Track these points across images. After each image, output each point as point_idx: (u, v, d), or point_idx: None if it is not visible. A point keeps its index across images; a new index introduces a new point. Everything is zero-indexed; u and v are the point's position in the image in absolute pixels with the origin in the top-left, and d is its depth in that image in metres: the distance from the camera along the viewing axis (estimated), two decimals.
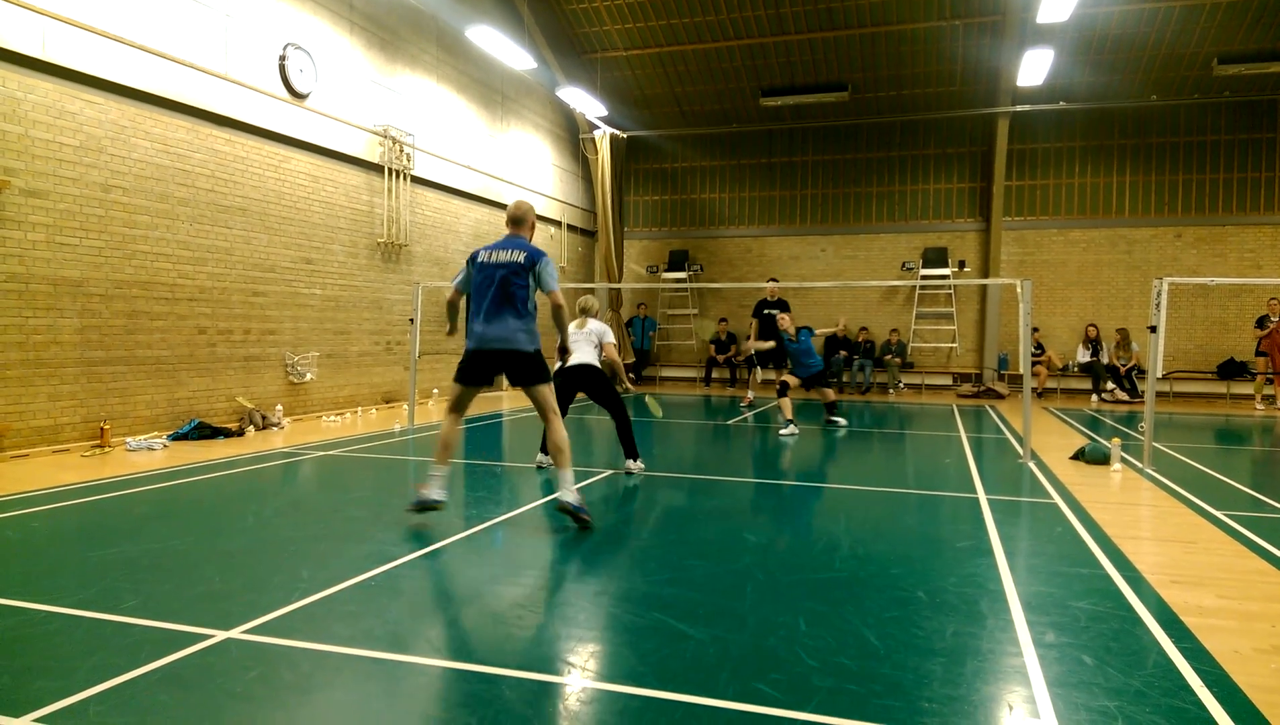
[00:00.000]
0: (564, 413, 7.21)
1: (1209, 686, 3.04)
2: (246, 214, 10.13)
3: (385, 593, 4.05)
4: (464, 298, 5.81)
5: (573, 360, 7.61)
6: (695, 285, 16.13)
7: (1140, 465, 8.08)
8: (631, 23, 17.01)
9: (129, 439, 8.51)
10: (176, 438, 8.95)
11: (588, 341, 7.80)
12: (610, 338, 7.88)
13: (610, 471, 7.59)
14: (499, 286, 5.49)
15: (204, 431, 9.13)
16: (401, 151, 12.79)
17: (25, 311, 7.72)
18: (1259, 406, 15.22)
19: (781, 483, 7.56)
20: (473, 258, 5.65)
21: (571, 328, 7.76)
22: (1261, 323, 15.42)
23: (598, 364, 7.66)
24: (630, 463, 7.60)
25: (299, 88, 10.78)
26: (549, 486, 6.76)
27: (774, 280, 13.31)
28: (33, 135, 7.75)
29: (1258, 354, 15.55)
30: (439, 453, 5.54)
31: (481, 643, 3.44)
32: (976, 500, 6.48)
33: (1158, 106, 17.28)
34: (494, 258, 5.56)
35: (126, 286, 8.68)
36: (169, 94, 9.00)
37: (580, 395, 7.74)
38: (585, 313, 8.08)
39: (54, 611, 3.68)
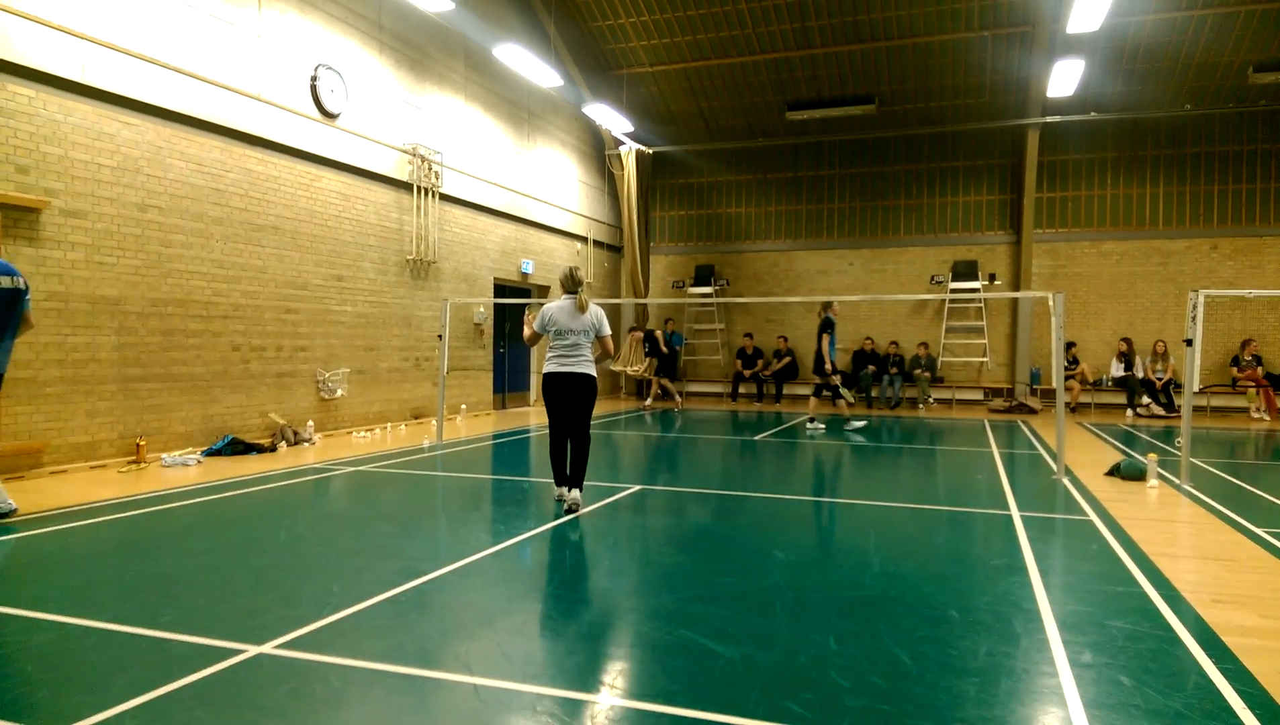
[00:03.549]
0: (566, 435, 6.58)
1: (1251, 709, 2.97)
2: (279, 232, 10.28)
3: (415, 608, 4.06)
4: None
5: (563, 366, 6.45)
6: (721, 300, 16.10)
7: (1177, 481, 7.94)
8: (657, 39, 17.09)
9: (164, 455, 8.63)
10: (210, 453, 9.06)
11: (586, 336, 6.52)
12: (608, 329, 6.65)
13: (638, 487, 7.58)
14: (8, 312, 5.88)
15: (237, 447, 9.24)
16: (430, 169, 12.92)
17: (64, 330, 7.87)
18: (1259, 414, 15.46)
19: (810, 499, 7.50)
20: None
21: (556, 309, 6.53)
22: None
23: (594, 373, 6.56)
24: (573, 492, 6.48)
25: (330, 107, 10.94)
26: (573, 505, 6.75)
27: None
28: (72, 156, 7.92)
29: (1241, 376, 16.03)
30: None
31: (510, 659, 3.44)
32: (1010, 517, 6.40)
33: (1192, 116, 17.05)
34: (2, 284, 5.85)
35: (162, 304, 8.82)
36: (203, 115, 9.17)
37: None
38: (578, 285, 6.58)
39: (91, 626, 3.73)
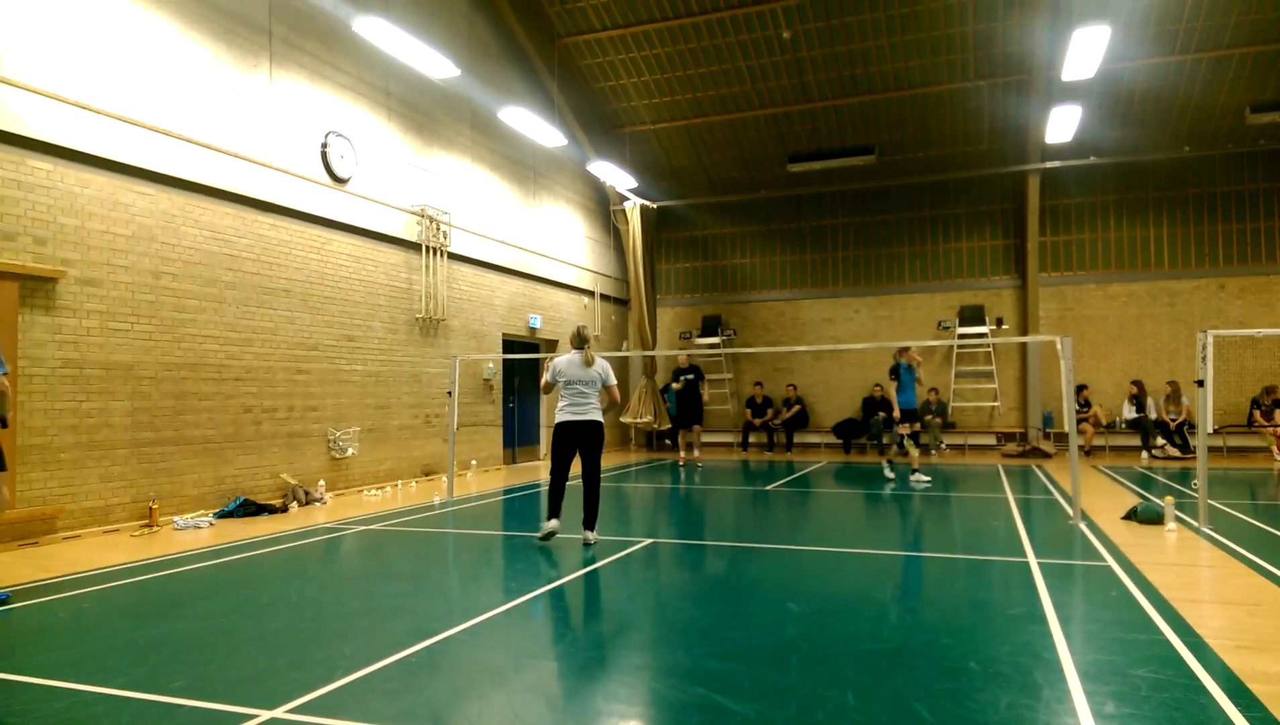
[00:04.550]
0: (565, 475, 7.25)
1: None
2: (290, 295, 10.40)
3: (426, 669, 4.03)
4: None
5: (574, 414, 7.13)
6: (729, 350, 16.13)
7: (1196, 524, 7.85)
8: (659, 97, 17.42)
9: (176, 518, 8.64)
10: (222, 515, 9.06)
11: (593, 387, 7.24)
12: (613, 380, 7.40)
13: (649, 540, 7.53)
14: None
15: (249, 508, 9.24)
16: (438, 230, 13.10)
17: (79, 396, 7.95)
18: None
19: (824, 549, 7.44)
20: None
21: (565, 363, 7.24)
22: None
23: (601, 420, 7.25)
24: (590, 533, 7.23)
25: (340, 173, 11.14)
26: (590, 559, 6.72)
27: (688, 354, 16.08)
28: (88, 227, 8.08)
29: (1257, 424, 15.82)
30: None
31: (522, 720, 3.40)
32: (1027, 564, 6.33)
33: (1192, 158, 17.18)
34: None
35: (175, 368, 8.91)
36: (217, 183, 9.35)
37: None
38: (585, 343, 7.32)
39: (103, 693, 3.71)
